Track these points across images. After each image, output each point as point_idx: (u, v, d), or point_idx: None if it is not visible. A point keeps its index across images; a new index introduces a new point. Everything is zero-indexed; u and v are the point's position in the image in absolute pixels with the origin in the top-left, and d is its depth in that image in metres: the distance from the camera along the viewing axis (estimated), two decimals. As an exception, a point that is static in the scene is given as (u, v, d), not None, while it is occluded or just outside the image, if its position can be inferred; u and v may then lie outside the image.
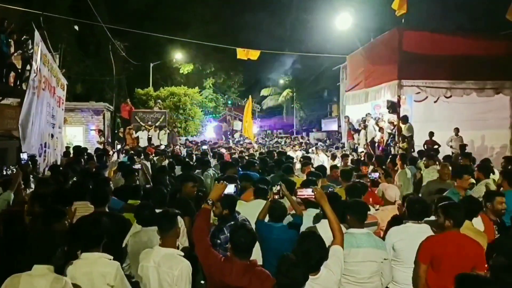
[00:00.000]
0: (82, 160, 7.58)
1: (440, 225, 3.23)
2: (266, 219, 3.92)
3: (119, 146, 12.41)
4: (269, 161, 7.58)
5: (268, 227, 3.77)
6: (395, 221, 3.84)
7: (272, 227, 3.75)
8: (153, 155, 10.66)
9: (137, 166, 6.74)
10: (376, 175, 4.99)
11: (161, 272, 2.93)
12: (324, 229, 3.26)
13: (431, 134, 10.78)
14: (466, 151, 9.60)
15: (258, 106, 41.14)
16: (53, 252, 2.59)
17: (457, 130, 10.91)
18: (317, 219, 3.78)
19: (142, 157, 9.65)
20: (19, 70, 8.78)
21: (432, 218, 3.53)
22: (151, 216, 3.62)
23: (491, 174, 5.88)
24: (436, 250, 3.07)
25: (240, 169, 6.83)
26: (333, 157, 10.10)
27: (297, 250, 2.71)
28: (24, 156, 5.72)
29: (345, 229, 3.29)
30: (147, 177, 6.43)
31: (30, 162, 5.96)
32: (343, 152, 11.05)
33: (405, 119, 10.51)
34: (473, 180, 5.68)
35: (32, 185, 5.12)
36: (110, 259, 2.93)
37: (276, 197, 4.00)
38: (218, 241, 3.53)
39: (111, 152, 11.28)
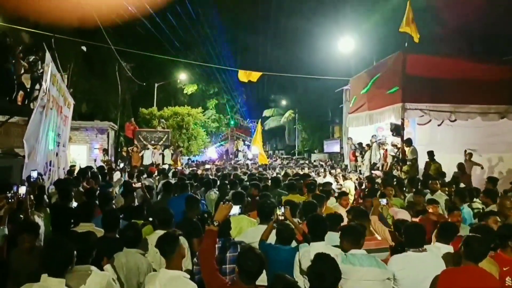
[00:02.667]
0: (82, 179, 7.54)
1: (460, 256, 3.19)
2: (273, 241, 3.88)
3: (121, 165, 12.41)
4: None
5: (275, 250, 3.72)
6: (396, 248, 3.81)
7: (280, 249, 3.71)
8: (156, 174, 10.66)
9: (138, 185, 6.73)
10: (384, 201, 4.93)
11: None
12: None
13: (431, 154, 10.63)
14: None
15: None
16: (66, 266, 2.76)
17: (470, 155, 10.83)
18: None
19: (145, 176, 9.67)
20: (28, 90, 8.91)
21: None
22: (135, 237, 3.62)
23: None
24: (458, 286, 2.99)
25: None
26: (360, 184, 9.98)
27: (310, 272, 2.67)
28: (34, 174, 5.73)
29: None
30: (147, 196, 6.40)
31: (39, 179, 5.97)
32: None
33: (409, 142, 10.52)
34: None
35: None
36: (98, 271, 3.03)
37: (281, 218, 3.98)
38: None
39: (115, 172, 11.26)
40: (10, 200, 3.85)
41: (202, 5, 27.45)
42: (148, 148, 17.08)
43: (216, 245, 3.33)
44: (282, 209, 4.06)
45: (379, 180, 8.64)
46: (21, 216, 4.19)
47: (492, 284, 3.00)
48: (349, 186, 9.89)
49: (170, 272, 2.99)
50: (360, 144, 13.48)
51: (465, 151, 10.72)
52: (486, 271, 3.07)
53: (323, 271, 2.65)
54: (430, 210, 5.19)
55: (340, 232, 3.53)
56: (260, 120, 18.92)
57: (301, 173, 11.14)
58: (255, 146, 16.67)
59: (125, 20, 20.97)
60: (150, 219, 4.74)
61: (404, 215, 4.71)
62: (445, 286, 3.02)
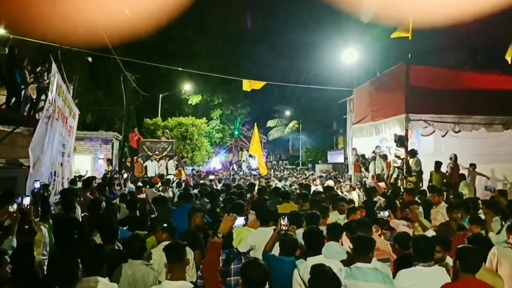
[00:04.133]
0: (86, 188, 7.54)
1: (455, 269, 3.13)
2: (277, 252, 3.86)
3: (125, 175, 12.43)
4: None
5: (279, 261, 3.69)
6: (402, 261, 3.72)
7: (283, 261, 3.67)
8: (159, 184, 10.67)
9: (142, 195, 6.73)
10: (385, 213, 4.81)
11: None
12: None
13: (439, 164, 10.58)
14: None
15: (264, 137, 41.38)
16: (76, 276, 2.82)
17: (474, 166, 10.77)
18: None
19: (148, 187, 9.66)
20: (34, 100, 9.01)
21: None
22: (140, 249, 3.62)
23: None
24: None
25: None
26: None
27: (310, 285, 2.65)
28: (37, 185, 5.74)
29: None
30: (151, 206, 6.40)
31: (42, 190, 5.98)
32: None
33: (413, 153, 10.47)
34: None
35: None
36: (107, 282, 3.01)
37: (284, 228, 3.96)
38: None
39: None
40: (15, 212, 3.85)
41: (207, 17, 27.76)
42: (152, 160, 17.10)
43: (220, 257, 3.32)
44: (286, 220, 4.05)
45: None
46: (26, 227, 4.19)
47: None
48: (354, 197, 9.82)
49: (175, 283, 2.97)
50: (363, 155, 13.44)
51: (470, 164, 10.68)
52: (484, 283, 3.01)
53: (323, 281, 2.61)
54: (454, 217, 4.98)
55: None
56: (256, 123, 18.17)
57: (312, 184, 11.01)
58: (254, 154, 16.51)
59: (131, 32, 21.30)
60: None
61: (406, 228, 4.64)
62: None
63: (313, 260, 3.32)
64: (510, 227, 4.19)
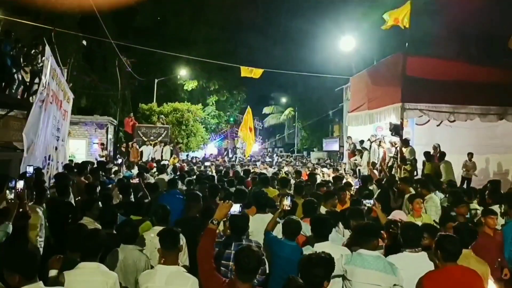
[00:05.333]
0: (80, 173, 7.53)
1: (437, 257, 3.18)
2: (279, 234, 3.89)
3: (120, 160, 12.40)
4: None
5: (280, 245, 3.72)
6: (391, 248, 3.77)
7: (284, 245, 3.70)
8: (154, 170, 10.68)
9: (135, 181, 6.73)
10: (371, 202, 4.82)
11: None
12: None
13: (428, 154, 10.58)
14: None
15: (260, 124, 41.33)
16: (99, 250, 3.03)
17: (471, 155, 10.84)
18: None
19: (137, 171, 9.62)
20: (28, 83, 8.90)
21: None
22: (132, 234, 3.63)
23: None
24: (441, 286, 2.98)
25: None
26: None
27: (301, 268, 2.70)
28: (30, 169, 5.72)
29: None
30: (145, 192, 6.41)
31: (35, 175, 5.96)
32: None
33: (406, 143, 10.53)
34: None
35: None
36: (107, 270, 3.03)
37: (287, 208, 4.01)
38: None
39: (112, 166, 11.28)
40: (12, 198, 3.84)
41: (204, 3, 27.36)
42: (147, 145, 17.06)
43: (217, 241, 3.35)
44: (289, 200, 4.09)
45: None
46: (20, 210, 4.20)
47: (475, 281, 3.01)
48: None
49: (169, 268, 3.00)
50: (361, 141, 13.46)
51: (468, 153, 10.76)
52: (467, 268, 3.08)
53: (312, 258, 2.66)
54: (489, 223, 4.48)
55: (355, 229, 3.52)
56: (248, 106, 17.82)
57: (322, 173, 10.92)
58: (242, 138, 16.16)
59: (126, 14, 20.99)
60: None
61: (401, 216, 4.68)
62: None
63: (320, 246, 3.35)
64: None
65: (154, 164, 12.36)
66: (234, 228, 3.68)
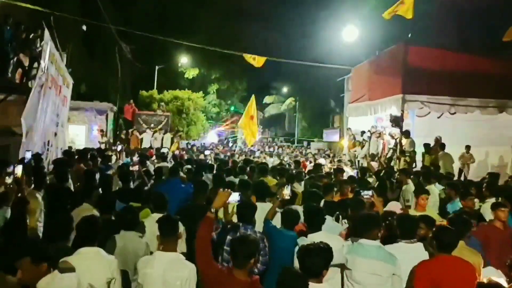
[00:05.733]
0: (80, 160, 7.53)
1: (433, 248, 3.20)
2: (278, 223, 3.92)
3: (119, 147, 12.39)
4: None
5: (279, 234, 3.76)
6: (387, 239, 3.78)
7: (284, 235, 3.74)
8: (154, 158, 10.67)
9: (134, 168, 6.73)
10: (369, 193, 4.82)
11: (169, 277, 2.93)
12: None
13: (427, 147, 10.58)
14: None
15: (260, 113, 41.18)
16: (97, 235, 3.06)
17: (468, 147, 10.84)
18: None
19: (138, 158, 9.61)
20: (26, 68, 8.83)
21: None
22: (133, 220, 3.66)
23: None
24: (435, 278, 3.00)
25: None
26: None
27: (299, 255, 2.72)
28: (28, 155, 5.72)
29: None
30: (145, 179, 6.42)
31: (33, 160, 5.96)
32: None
33: (407, 134, 10.52)
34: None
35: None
36: (107, 254, 3.08)
37: (287, 197, 4.06)
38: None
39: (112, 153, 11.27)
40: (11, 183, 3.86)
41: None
42: (146, 132, 17.03)
43: (213, 232, 3.37)
44: (289, 189, 4.10)
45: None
46: (18, 195, 4.21)
47: (467, 271, 3.03)
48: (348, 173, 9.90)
49: (168, 254, 3.03)
50: (362, 132, 13.44)
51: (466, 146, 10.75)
52: (460, 259, 3.10)
53: (310, 248, 2.69)
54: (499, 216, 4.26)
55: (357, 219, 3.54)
56: (253, 95, 17.62)
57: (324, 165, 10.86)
58: (242, 127, 15.96)
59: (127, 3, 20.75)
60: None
61: (396, 207, 4.70)
62: (421, 279, 3.03)
63: (314, 237, 3.37)
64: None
65: (154, 152, 12.36)
66: (241, 217, 3.70)
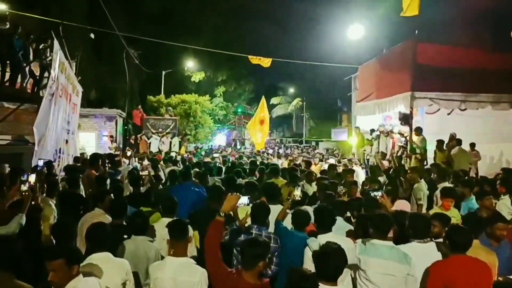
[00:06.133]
0: (91, 165, 7.62)
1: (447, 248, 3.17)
2: (289, 225, 3.92)
3: (129, 153, 12.50)
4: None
5: (290, 235, 3.75)
6: (398, 240, 3.75)
7: (294, 235, 3.73)
8: (161, 162, 10.73)
9: (144, 172, 6.79)
10: (378, 193, 4.78)
11: (179, 282, 2.95)
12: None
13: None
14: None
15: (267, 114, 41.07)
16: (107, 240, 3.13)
17: (472, 145, 10.71)
18: None
19: (147, 163, 9.70)
20: (37, 77, 8.98)
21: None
22: (143, 225, 3.68)
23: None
24: (449, 279, 2.96)
25: None
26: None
27: (316, 256, 2.72)
28: (40, 163, 5.82)
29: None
30: (154, 184, 6.47)
31: (45, 168, 6.05)
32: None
33: (419, 131, 10.40)
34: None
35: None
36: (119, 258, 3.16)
37: (298, 198, 4.06)
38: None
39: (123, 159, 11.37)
40: (26, 190, 3.93)
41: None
42: (155, 137, 17.16)
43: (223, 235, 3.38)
44: (300, 190, 4.09)
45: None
46: (32, 203, 4.28)
47: (482, 271, 2.98)
48: (359, 172, 9.80)
49: (178, 259, 3.05)
50: (372, 130, 13.35)
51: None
52: (475, 259, 3.05)
53: (328, 251, 2.67)
54: None
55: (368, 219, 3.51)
56: (263, 96, 17.32)
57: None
58: (250, 129, 15.94)
59: (134, 5, 20.95)
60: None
61: (404, 206, 4.65)
62: (435, 279, 3.00)
63: (324, 238, 3.34)
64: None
65: (162, 156, 12.45)
66: (255, 218, 3.71)
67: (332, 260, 2.64)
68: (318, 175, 7.38)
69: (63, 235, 3.45)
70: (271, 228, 3.98)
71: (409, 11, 9.67)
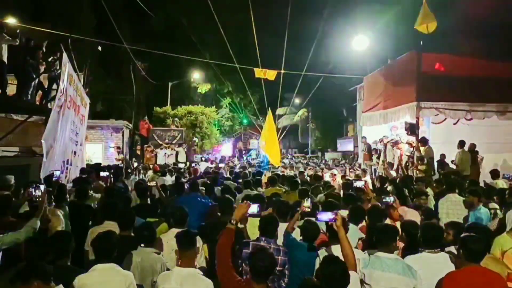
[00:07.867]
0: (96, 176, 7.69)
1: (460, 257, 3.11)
2: (298, 236, 3.90)
3: (136, 164, 12.57)
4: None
5: (299, 247, 3.74)
6: (408, 248, 3.72)
7: (303, 247, 3.72)
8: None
9: (152, 183, 6.83)
10: (391, 199, 4.76)
11: None
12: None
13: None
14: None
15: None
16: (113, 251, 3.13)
17: (476, 152, 10.63)
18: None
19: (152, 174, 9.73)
20: (46, 89, 9.12)
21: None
22: (150, 236, 3.69)
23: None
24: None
25: None
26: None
27: (320, 274, 2.69)
28: (57, 173, 5.90)
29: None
30: (162, 195, 6.50)
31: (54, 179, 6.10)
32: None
33: (424, 141, 10.37)
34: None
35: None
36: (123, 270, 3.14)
37: (307, 210, 4.03)
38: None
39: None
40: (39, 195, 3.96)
41: (217, 3, 27.42)
42: (162, 148, 17.23)
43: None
44: (309, 201, 4.09)
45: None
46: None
47: (497, 283, 2.93)
48: (368, 181, 9.73)
49: (185, 270, 3.06)
50: (380, 140, 13.30)
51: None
52: (489, 270, 3.00)
53: (331, 272, 2.65)
54: None
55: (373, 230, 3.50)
56: (269, 108, 17.28)
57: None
58: (264, 141, 15.89)
59: (140, 19, 21.30)
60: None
61: (414, 215, 4.61)
62: None
63: (336, 249, 3.31)
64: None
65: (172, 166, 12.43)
66: (263, 231, 3.68)
67: (338, 276, 2.63)
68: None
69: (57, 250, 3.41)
70: (280, 241, 3.97)
71: (430, 27, 9.50)
